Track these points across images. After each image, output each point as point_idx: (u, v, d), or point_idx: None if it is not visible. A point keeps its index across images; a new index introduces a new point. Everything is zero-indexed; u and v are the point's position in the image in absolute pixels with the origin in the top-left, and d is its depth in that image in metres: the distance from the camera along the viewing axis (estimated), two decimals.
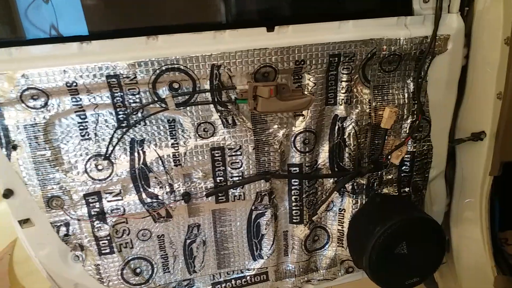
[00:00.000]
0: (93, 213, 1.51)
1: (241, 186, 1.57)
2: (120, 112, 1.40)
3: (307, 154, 1.57)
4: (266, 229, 1.67)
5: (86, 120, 1.40)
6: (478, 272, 1.82)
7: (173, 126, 1.45)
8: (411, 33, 1.42)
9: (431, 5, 1.42)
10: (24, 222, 1.48)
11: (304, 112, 1.51)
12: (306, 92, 1.47)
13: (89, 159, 1.45)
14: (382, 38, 1.40)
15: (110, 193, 1.50)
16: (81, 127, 1.41)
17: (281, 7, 1.47)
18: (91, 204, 1.50)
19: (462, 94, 1.64)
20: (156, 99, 1.38)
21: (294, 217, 1.68)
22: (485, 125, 1.61)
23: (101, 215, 1.51)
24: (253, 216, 1.66)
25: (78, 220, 1.51)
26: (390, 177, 1.68)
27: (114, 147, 1.44)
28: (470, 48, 1.55)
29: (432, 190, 1.75)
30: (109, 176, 1.47)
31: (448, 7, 1.43)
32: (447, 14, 1.44)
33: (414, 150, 1.63)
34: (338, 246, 1.77)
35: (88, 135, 1.42)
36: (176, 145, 1.47)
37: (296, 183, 1.63)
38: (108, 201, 1.51)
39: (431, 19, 1.42)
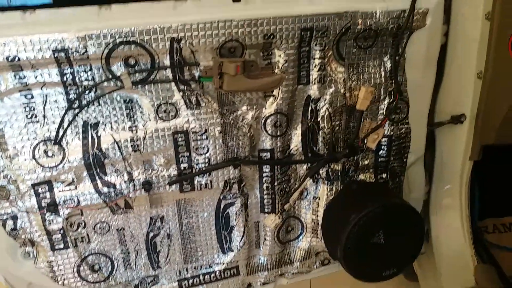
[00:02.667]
0: (43, 204, 1.36)
1: (207, 173, 1.45)
2: (71, 91, 1.26)
3: (278, 138, 1.46)
4: (235, 220, 1.56)
5: (32, 100, 1.26)
6: (458, 261, 1.76)
7: (130, 107, 1.32)
8: (388, 5, 1.33)
9: None
10: None
11: (275, 93, 1.40)
12: (276, 70, 1.37)
13: (37, 144, 1.30)
14: (358, 11, 1.31)
15: (62, 182, 1.36)
16: (27, 108, 1.26)
17: None
18: (40, 195, 1.35)
19: (442, 75, 1.56)
20: (110, 76, 1.25)
21: (266, 206, 1.57)
22: (465, 107, 1.54)
23: (53, 207, 1.37)
24: (222, 206, 1.54)
25: (27, 212, 1.36)
26: (366, 162, 1.58)
27: (65, 130, 1.30)
28: (450, 24, 1.47)
29: (411, 176, 1.67)
30: (60, 163, 1.33)
31: None
32: None
33: (392, 133, 1.54)
34: (312, 237, 1.67)
35: (35, 117, 1.28)
36: (134, 128, 1.34)
37: (267, 170, 1.51)
38: (60, 191, 1.37)
39: None
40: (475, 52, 1.43)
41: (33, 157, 1.31)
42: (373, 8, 1.32)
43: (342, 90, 1.44)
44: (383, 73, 1.45)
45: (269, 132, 1.45)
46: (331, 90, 1.43)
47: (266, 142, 1.47)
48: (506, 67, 1.34)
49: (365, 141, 1.53)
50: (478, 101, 1.49)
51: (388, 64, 1.44)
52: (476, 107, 1.51)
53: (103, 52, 1.20)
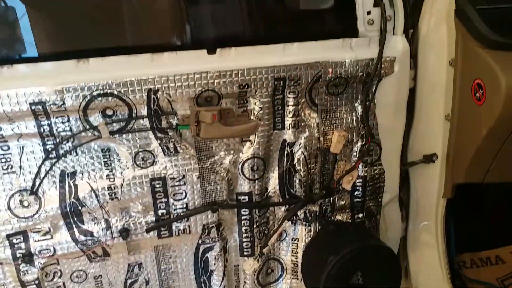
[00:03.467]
0: (18, 255, 1.35)
1: (185, 219, 1.46)
2: (48, 142, 1.28)
3: (256, 181, 1.49)
4: (215, 264, 1.56)
5: (9, 151, 1.26)
6: None
7: (107, 156, 1.34)
8: (356, 55, 1.39)
9: (376, 27, 1.40)
10: None
11: (251, 138, 1.44)
12: (252, 117, 1.41)
13: (12, 194, 1.30)
14: (328, 61, 1.37)
15: (38, 231, 1.35)
16: (3, 160, 1.27)
17: (224, 29, 1.42)
18: (15, 245, 1.34)
19: (412, 116, 1.63)
20: (87, 127, 1.27)
21: (245, 250, 1.58)
22: (436, 147, 1.60)
23: (28, 257, 1.36)
24: (201, 251, 1.54)
25: (1, 264, 1.34)
26: (343, 203, 1.62)
27: (41, 180, 1.30)
28: (417, 70, 1.54)
29: (387, 215, 1.71)
30: (36, 212, 1.33)
31: (393, 29, 1.42)
32: (392, 36, 1.42)
33: (366, 174, 1.58)
34: (293, 278, 1.68)
35: (11, 168, 1.28)
36: (111, 176, 1.35)
37: (245, 213, 1.53)
38: (35, 241, 1.36)
39: (377, 41, 1.40)
40: (442, 96, 1.50)
41: (8, 207, 1.30)
42: (343, 57, 1.38)
43: (316, 135, 1.48)
44: (354, 118, 1.50)
45: (247, 175, 1.48)
46: (305, 135, 1.48)
47: (244, 186, 1.49)
48: (471, 111, 1.40)
49: (341, 183, 1.57)
50: (447, 142, 1.55)
51: (359, 109, 1.49)
52: (446, 147, 1.57)
53: (80, 104, 1.23)
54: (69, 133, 1.27)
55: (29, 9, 1.24)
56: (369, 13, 1.37)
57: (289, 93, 1.40)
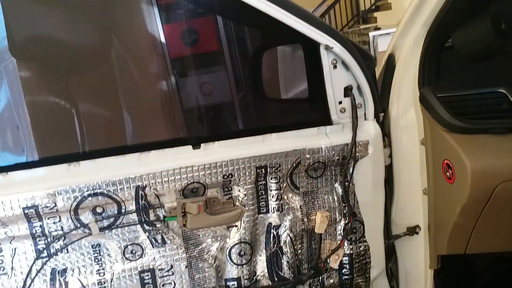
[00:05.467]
0: None
1: None
2: (40, 242, 1.32)
3: (244, 266, 1.52)
4: None
5: (1, 254, 1.30)
6: None
7: (98, 251, 1.37)
8: (331, 141, 1.48)
9: (348, 114, 1.50)
10: None
11: (237, 223, 1.49)
12: (237, 203, 1.47)
13: None
14: (305, 148, 1.45)
15: None
16: None
17: (207, 125, 1.52)
18: None
19: (393, 190, 1.69)
20: (78, 225, 1.32)
21: None
22: (418, 219, 1.65)
23: None
24: None
25: None
26: (331, 281, 1.64)
27: (32, 280, 1.33)
28: (392, 148, 1.63)
29: None
30: None
31: (364, 115, 1.52)
32: (364, 122, 1.52)
33: (351, 252, 1.62)
34: None
35: (3, 270, 1.31)
36: (101, 271, 1.38)
37: None
38: None
39: (350, 127, 1.49)
40: (418, 172, 1.58)
41: None
42: (319, 144, 1.47)
43: (300, 216, 1.54)
44: (336, 198, 1.57)
45: (235, 261, 1.51)
46: (290, 217, 1.53)
47: (232, 271, 1.52)
48: (444, 189, 1.48)
49: (328, 262, 1.60)
50: (428, 215, 1.61)
51: (339, 190, 1.56)
52: (427, 219, 1.62)
53: (72, 205, 1.29)
54: (60, 232, 1.32)
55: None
56: (340, 102, 1.48)
57: (271, 179, 1.48)
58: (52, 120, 1.41)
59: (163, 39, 1.70)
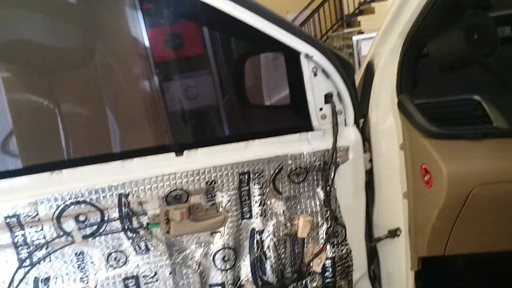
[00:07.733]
0: None
1: None
2: (22, 251, 1.31)
3: (228, 271, 1.54)
4: None
5: None
6: None
7: (81, 259, 1.38)
8: (313, 147, 1.51)
9: (328, 120, 1.53)
10: None
11: (221, 229, 1.51)
12: (221, 209, 1.48)
13: None
14: (287, 154, 1.48)
15: None
16: None
17: (190, 132, 1.53)
18: None
19: (374, 194, 1.73)
20: (61, 233, 1.32)
21: None
22: (399, 222, 1.69)
23: None
24: None
25: None
26: (315, 285, 1.66)
27: None
28: (372, 153, 1.67)
29: None
30: None
31: (345, 121, 1.55)
32: (345, 128, 1.55)
33: (334, 255, 1.65)
34: None
35: None
36: (85, 278, 1.38)
37: None
38: None
39: (331, 133, 1.52)
40: (398, 176, 1.62)
41: None
42: (300, 150, 1.49)
43: (283, 221, 1.56)
44: (318, 202, 1.60)
45: (219, 266, 1.52)
46: (273, 222, 1.55)
47: (217, 277, 1.53)
48: (422, 192, 1.52)
49: (311, 265, 1.62)
50: (408, 217, 1.65)
51: (321, 194, 1.59)
52: (407, 222, 1.66)
53: (54, 213, 1.29)
54: (43, 240, 1.32)
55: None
56: (321, 109, 1.51)
57: (254, 184, 1.50)
58: (34, 128, 1.41)
59: (147, 43, 1.71)
